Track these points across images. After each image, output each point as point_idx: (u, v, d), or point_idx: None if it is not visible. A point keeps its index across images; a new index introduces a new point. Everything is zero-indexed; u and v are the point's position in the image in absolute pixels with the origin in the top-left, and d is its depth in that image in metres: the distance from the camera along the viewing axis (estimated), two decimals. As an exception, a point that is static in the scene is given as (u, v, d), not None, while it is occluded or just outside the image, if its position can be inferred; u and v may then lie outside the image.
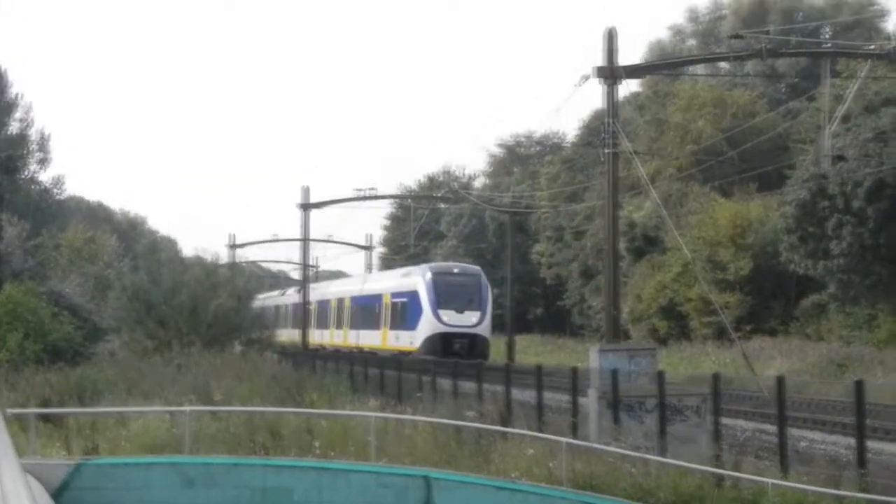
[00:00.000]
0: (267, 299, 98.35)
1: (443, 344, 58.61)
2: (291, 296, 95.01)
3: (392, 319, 65.99)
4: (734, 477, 22.22)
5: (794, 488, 21.14)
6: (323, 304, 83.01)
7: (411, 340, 61.53)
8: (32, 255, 69.81)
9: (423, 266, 68.37)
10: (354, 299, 74.94)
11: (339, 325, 77.44)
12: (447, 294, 61.28)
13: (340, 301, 78.64)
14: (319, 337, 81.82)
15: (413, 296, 62.86)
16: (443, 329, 59.91)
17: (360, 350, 68.20)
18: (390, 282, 69.95)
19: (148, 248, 74.37)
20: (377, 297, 69.53)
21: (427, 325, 60.72)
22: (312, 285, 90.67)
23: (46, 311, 53.45)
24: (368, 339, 69.35)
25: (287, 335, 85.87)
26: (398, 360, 47.96)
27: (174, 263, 68.03)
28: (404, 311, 64.09)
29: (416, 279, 63.61)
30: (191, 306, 60.12)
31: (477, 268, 67.97)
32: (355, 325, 74.14)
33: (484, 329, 61.37)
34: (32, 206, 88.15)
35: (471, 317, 60.95)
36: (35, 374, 41.58)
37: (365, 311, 71.95)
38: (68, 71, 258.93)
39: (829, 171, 54.76)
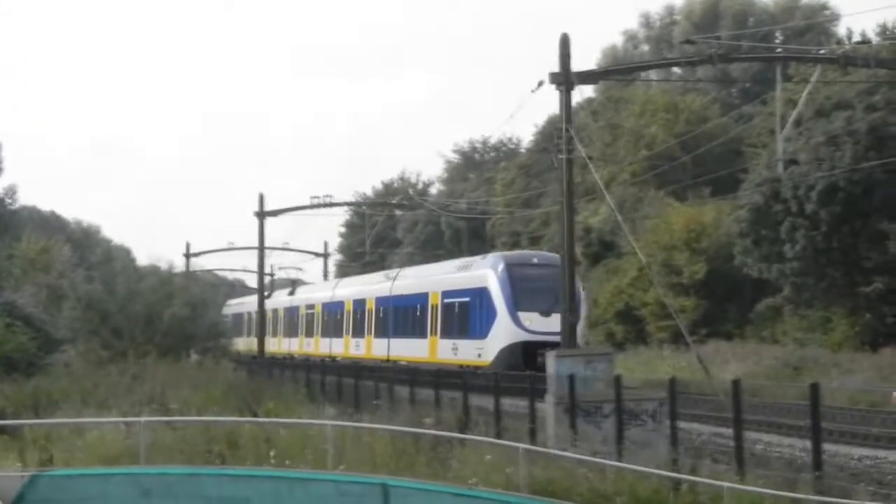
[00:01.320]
0: (242, 305, 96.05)
1: (525, 355, 46.33)
2: (280, 299, 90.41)
3: (445, 325, 53.78)
4: (691, 481, 22.28)
5: (750, 491, 21.22)
6: (332, 307, 72.36)
7: (479, 352, 49.79)
8: (-15, 265, 69.32)
9: (492, 256, 54.88)
10: (381, 300, 63.43)
11: (358, 333, 66.17)
12: (528, 291, 48.91)
13: (358, 303, 67.29)
14: (320, 347, 73.08)
15: (480, 294, 50.73)
16: (525, 337, 47.69)
17: (392, 362, 57.37)
18: (440, 277, 56.95)
19: (102, 257, 74.25)
20: (419, 298, 57.63)
21: (503, 332, 48.66)
22: (302, 288, 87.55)
23: (0, 323, 53.07)
24: (405, 349, 57.77)
25: (276, 344, 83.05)
26: (405, 369, 46.00)
27: (129, 272, 67.81)
28: (466, 315, 52.12)
29: (485, 272, 51.10)
30: (146, 315, 59.95)
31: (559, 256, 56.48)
32: (380, 332, 62.71)
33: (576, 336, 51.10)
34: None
35: (559, 320, 49.31)
36: (-11, 386, 41.32)
37: (400, 315, 60.51)
38: (19, 77, 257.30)
39: (782, 175, 55.12)
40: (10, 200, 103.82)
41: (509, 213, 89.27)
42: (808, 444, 23.76)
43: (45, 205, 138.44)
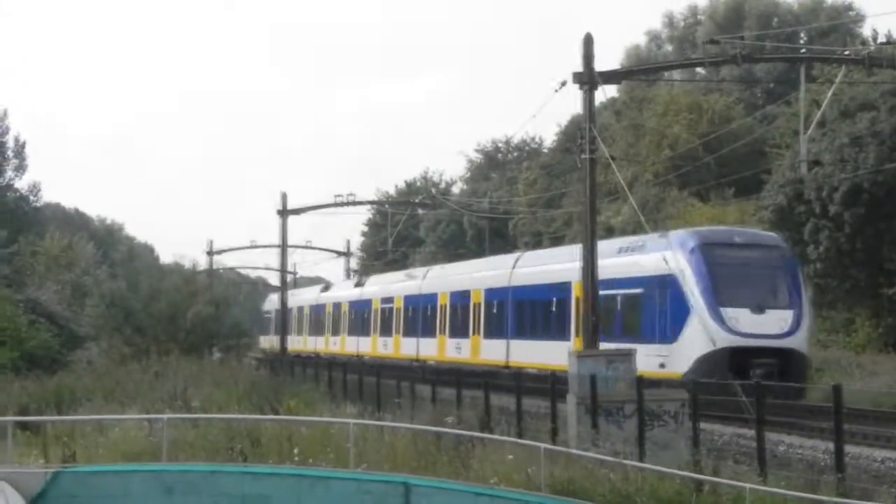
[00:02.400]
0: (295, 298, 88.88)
1: (733, 365, 35.82)
2: (326, 294, 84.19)
3: (610, 325, 40.38)
4: (713, 482, 22.26)
5: (772, 493, 21.19)
6: (416, 301, 61.64)
7: (664, 359, 38.20)
8: (9, 262, 69.74)
9: (677, 234, 41.51)
10: (492, 292, 52.13)
11: (483, 332, 52.75)
12: (734, 280, 38.13)
13: (460, 296, 55.94)
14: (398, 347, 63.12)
15: (664, 284, 39.03)
16: (734, 341, 36.77)
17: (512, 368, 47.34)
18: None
19: (125, 255, 74.44)
20: (557, 289, 45.95)
21: (700, 335, 37.35)
22: (373, 278, 78.02)
23: (23, 319, 53.33)
24: (537, 353, 46.31)
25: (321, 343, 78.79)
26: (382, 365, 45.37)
27: (152, 270, 68.18)
28: (642, 312, 40.42)
29: (669, 255, 39.21)
30: (169, 313, 60.19)
31: (774, 236, 43.56)
32: (493, 333, 51.76)
33: (800, 341, 37.88)
34: (9, 213, 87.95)
35: (778, 319, 37.79)
36: (12, 382, 41.52)
37: (529, 310, 49.12)
38: (44, 76, 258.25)
39: (806, 176, 54.93)
40: (34, 198, 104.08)
41: (531, 213, 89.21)
42: (830, 445, 23.73)
43: (68, 202, 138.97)
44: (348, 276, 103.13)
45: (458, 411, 32.98)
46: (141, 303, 60.56)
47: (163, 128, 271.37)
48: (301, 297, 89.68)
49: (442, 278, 60.49)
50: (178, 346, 56.09)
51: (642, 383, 29.09)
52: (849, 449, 24.05)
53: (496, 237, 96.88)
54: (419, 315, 60.99)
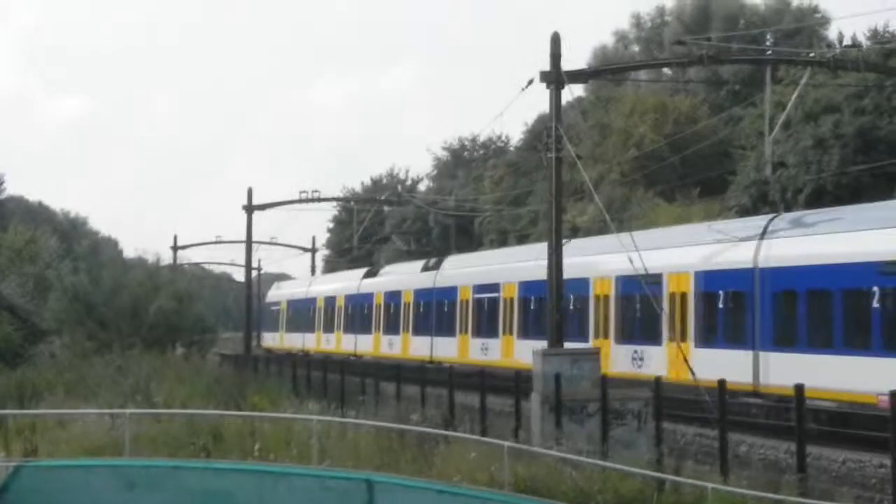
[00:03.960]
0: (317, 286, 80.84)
1: None
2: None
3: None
4: (675, 481, 22.36)
5: (733, 492, 21.29)
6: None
7: None
8: (-29, 255, 69.25)
9: None
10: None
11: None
12: None
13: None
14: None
15: None
16: None
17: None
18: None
19: (89, 248, 74.13)
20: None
21: None
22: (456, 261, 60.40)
23: (-15, 312, 53.09)
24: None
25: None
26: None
27: (115, 264, 67.99)
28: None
29: None
30: (132, 308, 59.99)
31: None
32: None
33: None
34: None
35: None
36: (-27, 376, 41.32)
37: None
38: (5, 66, 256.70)
39: (770, 177, 55.20)
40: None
41: (497, 211, 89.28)
42: (792, 446, 23.85)
43: (32, 195, 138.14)
44: (313, 272, 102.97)
45: (423, 409, 33.04)
46: (104, 297, 60.35)
47: (129, 122, 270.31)
48: (324, 287, 79.05)
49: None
50: (141, 340, 55.85)
51: (606, 382, 29.18)
52: (810, 449, 24.16)
53: (462, 235, 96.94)
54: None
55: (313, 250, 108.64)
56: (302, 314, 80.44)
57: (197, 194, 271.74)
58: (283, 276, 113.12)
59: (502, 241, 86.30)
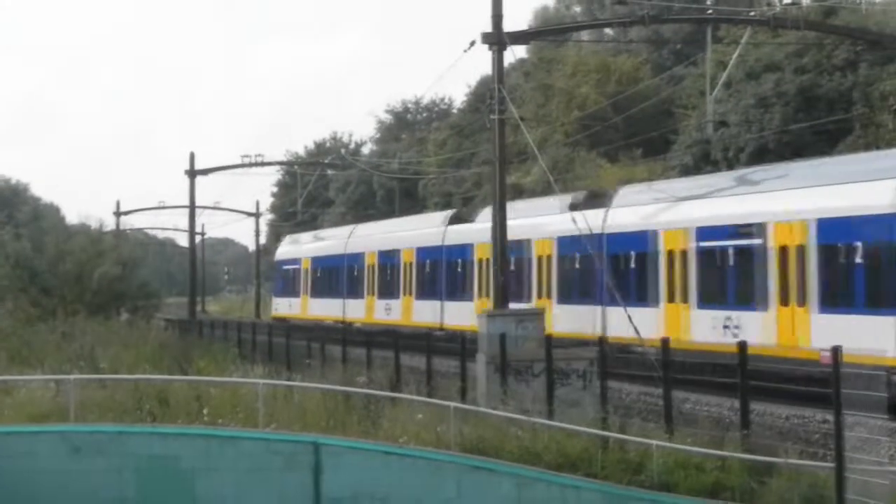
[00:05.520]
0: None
1: None
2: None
3: None
4: (620, 439, 22.52)
5: (678, 449, 21.48)
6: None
7: None
8: (-89, 223, 68.52)
9: None
10: None
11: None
12: None
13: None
14: None
15: None
16: None
17: None
18: None
19: (31, 215, 73.50)
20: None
21: None
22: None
23: (-74, 281, 52.58)
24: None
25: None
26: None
27: (58, 231, 67.44)
28: None
29: None
30: (76, 274, 59.66)
31: None
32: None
33: None
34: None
35: None
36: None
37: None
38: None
39: (712, 136, 55.45)
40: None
41: (441, 174, 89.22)
42: (736, 403, 24.03)
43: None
44: (257, 237, 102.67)
45: (369, 371, 33.06)
46: (47, 263, 59.97)
47: (69, 87, 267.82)
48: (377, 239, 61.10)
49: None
50: (85, 307, 55.53)
51: (551, 342, 29.29)
52: (755, 406, 24.34)
53: (406, 198, 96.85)
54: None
55: (257, 215, 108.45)
56: (337, 275, 63.93)
57: (139, 160, 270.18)
58: (228, 242, 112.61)
59: (446, 204, 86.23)
